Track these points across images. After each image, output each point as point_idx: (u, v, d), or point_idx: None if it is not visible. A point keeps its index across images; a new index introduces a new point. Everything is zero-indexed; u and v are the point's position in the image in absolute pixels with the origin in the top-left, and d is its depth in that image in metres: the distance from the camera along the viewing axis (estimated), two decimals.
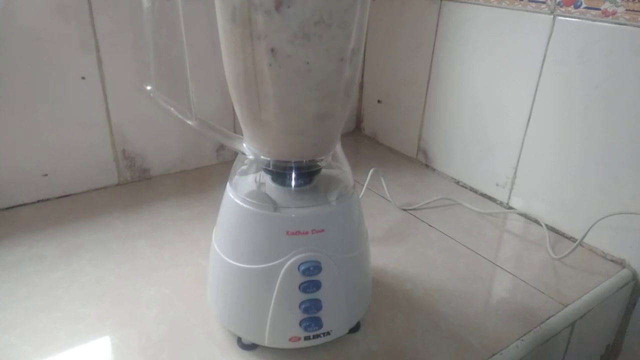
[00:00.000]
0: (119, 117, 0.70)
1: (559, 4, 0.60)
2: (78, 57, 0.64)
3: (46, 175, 0.67)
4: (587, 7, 0.57)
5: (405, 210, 0.71)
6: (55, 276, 0.53)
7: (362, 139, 0.98)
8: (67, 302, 0.50)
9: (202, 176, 0.78)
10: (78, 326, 0.47)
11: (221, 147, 0.81)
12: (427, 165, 0.85)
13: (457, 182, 0.80)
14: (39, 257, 0.56)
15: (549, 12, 0.61)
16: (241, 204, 0.41)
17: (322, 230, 0.40)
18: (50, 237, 0.60)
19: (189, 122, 0.43)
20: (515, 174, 0.70)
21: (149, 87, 0.42)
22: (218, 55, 0.39)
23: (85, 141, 0.68)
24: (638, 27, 0.53)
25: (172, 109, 0.43)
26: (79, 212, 0.66)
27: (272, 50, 0.35)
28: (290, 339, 0.42)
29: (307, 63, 0.35)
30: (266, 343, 0.43)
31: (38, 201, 0.68)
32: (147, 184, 0.75)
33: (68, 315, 0.48)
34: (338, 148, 0.45)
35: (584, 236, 0.59)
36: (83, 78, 0.65)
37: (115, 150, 0.71)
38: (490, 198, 0.75)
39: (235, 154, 0.45)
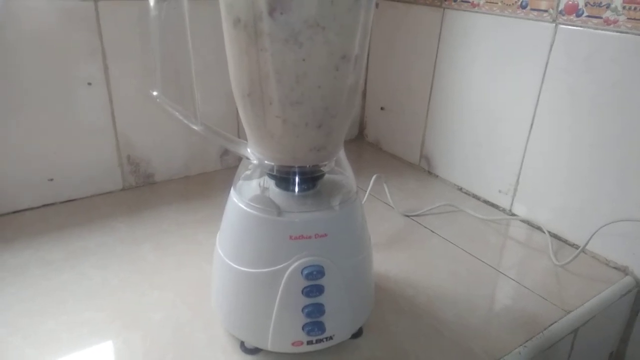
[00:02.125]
0: (124, 122, 0.70)
1: (560, 12, 0.60)
2: (84, 63, 0.65)
3: (52, 180, 0.68)
4: (588, 16, 0.58)
5: (407, 216, 0.71)
6: (61, 279, 0.54)
7: (365, 145, 0.98)
8: (71, 305, 0.50)
9: (206, 181, 0.79)
10: (82, 329, 0.47)
11: (225, 153, 0.82)
12: (429, 172, 0.85)
13: (460, 189, 0.80)
14: (44, 260, 0.57)
15: (551, 20, 0.61)
16: (245, 208, 0.42)
17: (325, 235, 0.41)
18: (55, 241, 0.60)
19: (194, 127, 0.43)
20: (517, 180, 0.70)
21: (155, 93, 0.42)
22: (223, 61, 0.40)
23: (91, 146, 0.69)
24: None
25: (177, 114, 0.43)
26: (84, 216, 0.66)
27: (273, 55, 0.35)
28: (292, 344, 0.42)
29: (306, 68, 0.35)
30: (269, 347, 0.43)
31: (44, 205, 0.68)
32: (151, 189, 0.75)
33: (72, 318, 0.49)
34: (341, 154, 0.45)
35: (586, 243, 0.59)
36: (89, 84, 0.66)
37: (120, 156, 0.72)
38: (492, 205, 0.75)
39: (240, 159, 0.46)
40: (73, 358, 0.44)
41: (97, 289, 0.53)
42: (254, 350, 0.45)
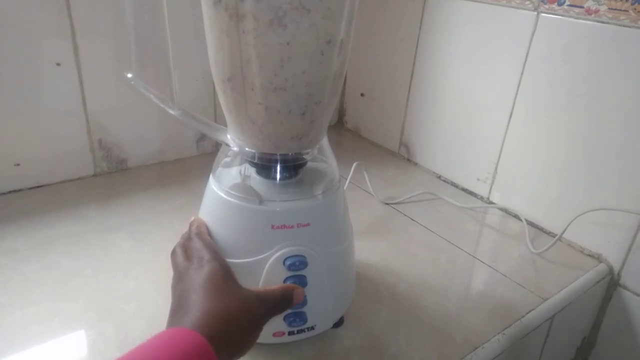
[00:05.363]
0: (96, 105, 0.67)
1: (542, 1, 0.60)
2: (52, 43, 0.61)
3: (18, 165, 0.64)
4: (570, 5, 0.58)
5: (387, 204, 0.71)
6: (29, 270, 0.52)
7: (345, 132, 0.97)
8: (41, 297, 0.48)
9: (182, 168, 0.76)
10: (52, 321, 0.45)
11: (201, 138, 0.80)
12: (409, 160, 0.85)
13: (439, 177, 0.80)
14: (11, 250, 0.54)
15: (533, 8, 0.61)
16: (225, 196, 0.40)
17: (308, 224, 0.40)
18: (23, 229, 0.58)
19: (171, 111, 0.42)
20: (496, 169, 0.71)
21: (129, 75, 0.40)
22: (200, 42, 0.38)
23: (60, 130, 0.66)
24: (620, 25, 0.54)
25: (152, 97, 0.41)
26: (53, 203, 0.63)
27: (256, 38, 0.34)
28: (274, 334, 0.42)
29: (291, 52, 0.34)
30: None
31: (10, 192, 0.65)
32: (124, 175, 0.73)
33: (42, 309, 0.47)
34: (324, 141, 0.44)
35: (563, 231, 0.60)
36: (58, 64, 0.63)
37: (92, 140, 0.69)
38: (471, 193, 0.75)
39: (217, 145, 0.44)
40: (44, 350, 0.42)
41: (67, 279, 0.51)
42: None
